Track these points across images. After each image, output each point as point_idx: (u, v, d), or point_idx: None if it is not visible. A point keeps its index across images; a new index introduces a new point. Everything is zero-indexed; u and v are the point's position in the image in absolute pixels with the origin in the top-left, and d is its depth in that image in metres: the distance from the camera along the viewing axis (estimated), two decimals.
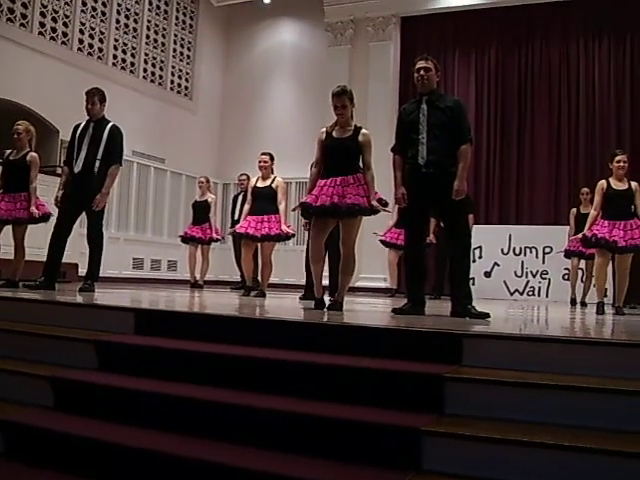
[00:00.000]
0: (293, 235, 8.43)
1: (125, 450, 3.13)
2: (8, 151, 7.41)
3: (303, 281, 8.21)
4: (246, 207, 8.41)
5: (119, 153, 6.97)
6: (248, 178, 9.98)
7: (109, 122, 6.93)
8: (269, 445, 3.03)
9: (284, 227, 8.01)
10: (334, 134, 5.68)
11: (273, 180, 8.27)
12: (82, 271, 10.62)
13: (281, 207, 8.10)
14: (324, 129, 5.79)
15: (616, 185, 7.29)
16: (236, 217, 10.40)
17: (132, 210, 12.97)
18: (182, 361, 3.82)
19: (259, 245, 8.32)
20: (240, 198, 10.84)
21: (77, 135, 6.88)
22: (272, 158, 8.39)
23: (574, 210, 9.95)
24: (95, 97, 6.87)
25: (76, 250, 10.34)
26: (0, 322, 4.66)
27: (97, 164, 6.73)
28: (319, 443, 2.99)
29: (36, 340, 4.32)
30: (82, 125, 6.94)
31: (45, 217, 7.23)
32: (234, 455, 2.97)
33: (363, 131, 5.66)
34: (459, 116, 5.33)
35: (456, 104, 5.42)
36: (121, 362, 4.01)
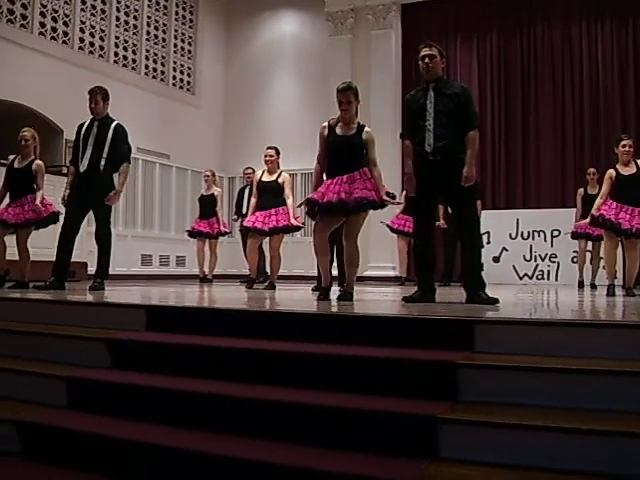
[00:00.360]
0: (302, 227, 8.42)
1: (141, 447, 3.14)
2: (11, 157, 7.40)
3: (312, 272, 8.22)
4: (253, 200, 8.43)
5: (127, 151, 6.98)
6: (254, 171, 9.96)
7: (113, 120, 6.92)
8: (286, 438, 3.03)
9: (292, 220, 8.01)
10: (337, 131, 5.65)
11: (279, 174, 8.27)
12: (91, 269, 10.65)
13: (289, 201, 8.10)
14: (326, 123, 5.76)
15: (624, 170, 7.25)
16: (244, 211, 10.39)
17: (139, 207, 12.97)
18: (194, 356, 3.82)
19: (268, 238, 8.33)
20: (247, 191, 10.83)
21: (82, 134, 6.88)
22: (278, 152, 8.39)
23: (581, 190, 9.88)
24: (98, 95, 6.86)
25: (85, 249, 10.36)
26: (12, 323, 4.69)
27: (103, 163, 6.73)
28: (335, 434, 2.99)
29: (48, 340, 4.33)
30: (86, 124, 6.94)
31: (53, 217, 7.25)
32: (252, 449, 2.96)
33: (367, 129, 5.66)
34: (466, 102, 5.30)
35: (462, 90, 5.39)
36: (134, 359, 4.02)
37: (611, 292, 7.03)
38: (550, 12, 12.87)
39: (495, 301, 4.94)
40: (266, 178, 8.29)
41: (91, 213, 6.98)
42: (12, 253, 7.55)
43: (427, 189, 5.32)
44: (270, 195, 8.16)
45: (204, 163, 13.67)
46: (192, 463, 2.96)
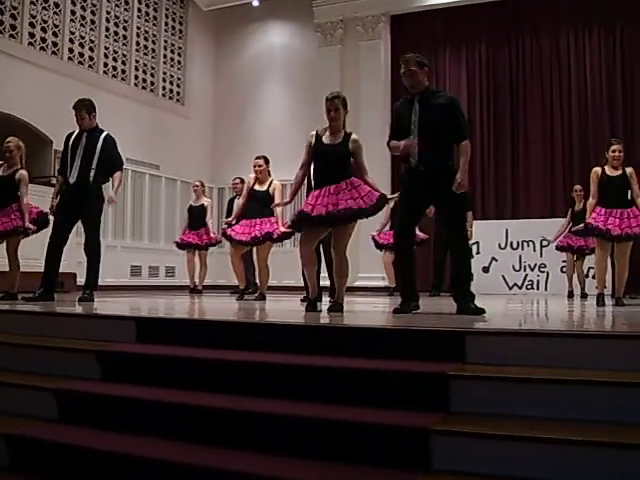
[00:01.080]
0: (287, 235, 8.02)
1: (131, 460, 3.13)
2: None
3: (302, 283, 8.15)
4: (241, 201, 8.37)
5: (118, 159, 6.96)
6: (242, 182, 9.94)
7: (103, 131, 6.90)
8: (277, 450, 3.02)
9: (280, 227, 7.83)
10: (324, 140, 5.65)
11: (270, 183, 8.20)
12: (80, 280, 10.61)
13: (278, 210, 7.99)
14: (313, 132, 5.77)
15: (610, 172, 7.24)
16: (233, 221, 10.29)
17: (128, 217, 12.95)
18: (185, 368, 3.80)
19: (254, 248, 8.27)
20: (236, 201, 10.78)
21: (70, 145, 6.85)
22: (267, 161, 8.32)
23: (570, 210, 9.98)
24: (83, 111, 6.80)
25: (73, 260, 10.32)
26: (2, 335, 4.65)
27: (92, 174, 6.71)
28: (327, 447, 2.98)
29: (38, 352, 4.30)
30: (75, 134, 6.90)
31: (43, 218, 7.27)
32: (243, 461, 2.96)
33: (354, 136, 5.63)
34: (454, 113, 5.27)
35: (450, 100, 5.39)
36: (124, 371, 4.00)
37: (601, 302, 7.03)
38: (538, 22, 12.95)
39: (482, 311, 4.94)
40: (258, 187, 8.21)
41: (80, 224, 6.93)
42: (2, 264, 7.53)
43: (414, 200, 5.32)
44: (259, 204, 8.06)
45: (194, 174, 13.65)
46: (183, 476, 2.95)
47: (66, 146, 6.91)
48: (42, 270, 6.76)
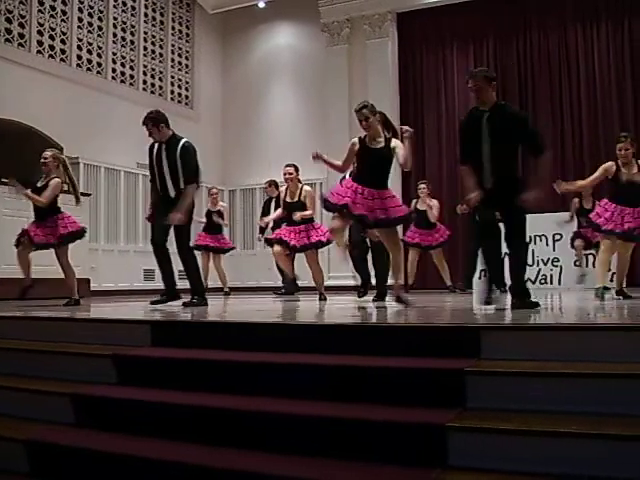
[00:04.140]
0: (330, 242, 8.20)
1: (150, 463, 3.14)
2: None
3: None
4: (279, 211, 8.72)
5: (194, 171, 6.81)
6: (273, 185, 10.59)
7: (179, 140, 6.72)
8: (296, 450, 3.03)
9: (326, 235, 8.01)
10: (368, 144, 5.87)
11: (301, 191, 8.35)
12: (94, 286, 10.71)
13: (307, 212, 8.18)
14: (356, 139, 5.96)
15: (625, 170, 6.94)
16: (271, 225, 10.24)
17: (140, 222, 12.97)
18: (201, 371, 3.82)
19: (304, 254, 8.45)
20: (273, 204, 10.77)
21: (154, 157, 6.74)
22: (297, 169, 8.48)
23: (576, 201, 9.83)
24: (149, 124, 6.67)
25: (87, 265, 10.39)
26: (19, 341, 4.70)
27: (181, 182, 6.64)
28: (344, 445, 2.98)
29: (54, 357, 4.34)
30: (156, 146, 6.77)
31: (81, 234, 7.53)
32: (263, 463, 2.96)
33: (394, 141, 5.87)
34: (524, 128, 5.16)
35: (518, 116, 5.29)
36: (140, 375, 4.01)
37: (600, 294, 6.84)
38: (545, 17, 12.88)
39: (537, 305, 5.16)
40: (289, 199, 8.41)
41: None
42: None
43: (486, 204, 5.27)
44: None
45: (205, 176, 13.61)
46: (202, 478, 2.96)
47: (150, 158, 6.82)
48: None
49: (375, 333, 3.87)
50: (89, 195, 11.22)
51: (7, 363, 4.48)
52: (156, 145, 6.76)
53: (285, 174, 8.45)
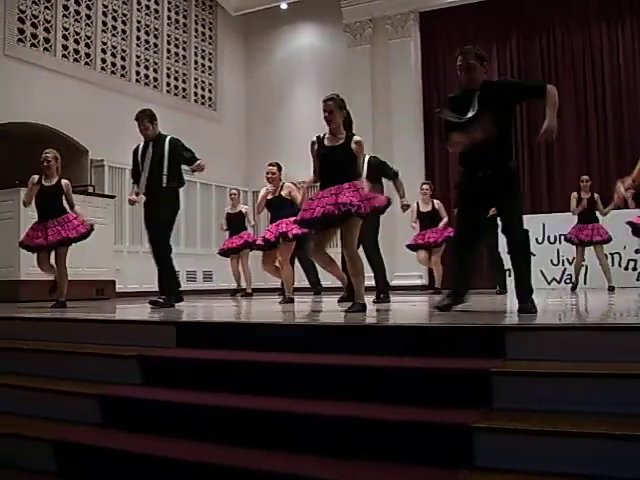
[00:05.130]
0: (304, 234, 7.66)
1: (175, 463, 3.15)
2: (36, 177, 7.48)
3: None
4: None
5: (191, 155, 6.83)
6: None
7: (166, 137, 6.82)
8: (322, 450, 3.03)
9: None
10: (325, 142, 5.60)
11: (282, 188, 8.12)
12: (119, 287, 10.78)
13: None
14: (314, 138, 5.71)
15: None
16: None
17: None
18: (226, 371, 3.83)
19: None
20: None
21: (139, 157, 6.81)
22: (280, 168, 8.28)
23: (575, 194, 9.88)
24: (145, 120, 6.76)
25: (112, 267, 10.47)
26: (46, 343, 4.74)
27: (164, 180, 6.67)
28: (370, 445, 2.98)
29: (81, 359, 4.37)
30: (141, 146, 6.85)
31: (90, 233, 7.52)
32: (290, 463, 2.96)
33: (356, 138, 5.53)
34: (515, 86, 4.98)
35: (507, 81, 5.08)
36: (165, 376, 4.03)
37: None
38: (569, 16, 12.81)
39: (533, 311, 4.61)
40: (270, 196, 8.18)
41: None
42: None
43: (474, 204, 4.99)
44: (278, 210, 8.07)
45: (228, 178, 13.75)
46: (227, 478, 2.97)
47: (135, 157, 6.87)
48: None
49: (401, 333, 3.86)
50: (114, 197, 11.31)
51: (35, 364, 4.53)
52: (142, 145, 6.84)
53: (268, 173, 8.20)
